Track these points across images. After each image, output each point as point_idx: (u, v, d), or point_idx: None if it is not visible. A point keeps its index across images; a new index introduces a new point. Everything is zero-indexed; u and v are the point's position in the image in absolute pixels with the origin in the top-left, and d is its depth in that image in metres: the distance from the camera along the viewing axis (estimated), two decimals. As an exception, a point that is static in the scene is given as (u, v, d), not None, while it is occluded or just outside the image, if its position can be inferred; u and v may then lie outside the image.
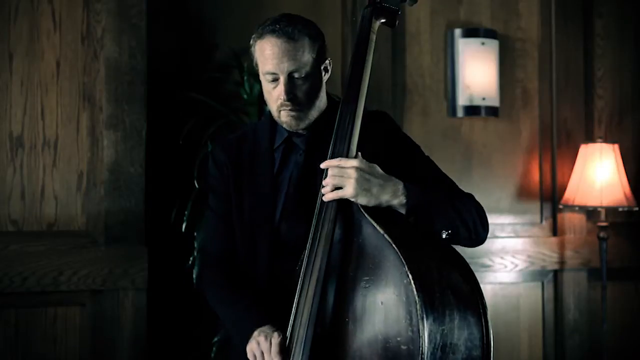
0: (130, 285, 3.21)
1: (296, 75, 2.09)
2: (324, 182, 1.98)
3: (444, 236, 1.98)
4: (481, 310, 1.88)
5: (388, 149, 2.15)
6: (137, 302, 3.22)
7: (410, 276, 1.80)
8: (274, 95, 2.12)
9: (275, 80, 2.10)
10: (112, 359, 3.20)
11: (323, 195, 1.98)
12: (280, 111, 2.13)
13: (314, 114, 2.15)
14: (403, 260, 1.82)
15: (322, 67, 2.16)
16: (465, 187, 3.87)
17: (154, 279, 3.30)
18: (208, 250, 2.30)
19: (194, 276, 3.23)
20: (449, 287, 1.87)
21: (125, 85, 3.25)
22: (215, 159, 2.27)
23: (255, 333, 2.03)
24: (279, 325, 2.02)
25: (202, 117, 3.39)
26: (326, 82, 2.20)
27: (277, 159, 2.20)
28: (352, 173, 1.93)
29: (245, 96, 3.46)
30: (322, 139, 2.11)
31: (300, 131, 2.18)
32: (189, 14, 3.66)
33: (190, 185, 3.27)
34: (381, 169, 1.98)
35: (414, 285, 1.79)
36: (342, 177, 1.94)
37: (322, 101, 2.18)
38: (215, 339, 3.20)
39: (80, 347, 3.17)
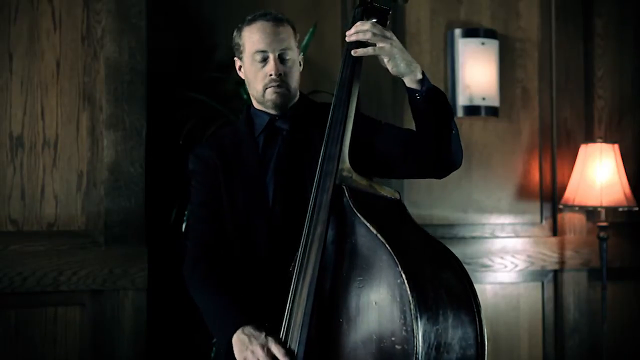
0: (130, 285, 3.21)
1: (284, 56, 2.21)
2: (355, 34, 2.03)
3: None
4: (475, 309, 1.89)
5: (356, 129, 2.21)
6: (137, 302, 3.22)
7: (403, 276, 1.80)
8: (261, 75, 2.22)
9: (265, 60, 2.21)
10: (112, 359, 3.19)
11: (351, 51, 2.05)
12: (266, 89, 2.22)
13: (293, 98, 2.26)
14: (396, 260, 1.82)
15: (299, 59, 2.29)
16: (465, 187, 3.93)
17: (154, 279, 3.30)
18: (194, 242, 2.30)
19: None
20: (442, 287, 1.87)
21: (125, 85, 3.25)
22: (198, 157, 2.32)
23: (245, 340, 2.02)
24: (268, 320, 2.03)
25: (202, 117, 3.39)
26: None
27: (260, 142, 2.26)
28: (390, 35, 2.03)
29: (245, 96, 3.45)
30: (304, 122, 2.21)
31: (280, 116, 2.26)
32: (189, 14, 3.66)
33: (190, 186, 3.27)
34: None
35: (407, 285, 1.79)
36: (383, 37, 2.01)
37: (297, 92, 2.28)
38: (215, 340, 3.20)
39: (80, 347, 3.17)
